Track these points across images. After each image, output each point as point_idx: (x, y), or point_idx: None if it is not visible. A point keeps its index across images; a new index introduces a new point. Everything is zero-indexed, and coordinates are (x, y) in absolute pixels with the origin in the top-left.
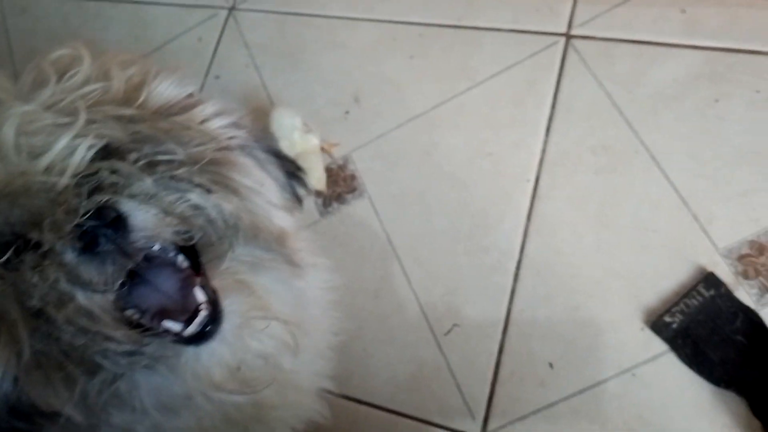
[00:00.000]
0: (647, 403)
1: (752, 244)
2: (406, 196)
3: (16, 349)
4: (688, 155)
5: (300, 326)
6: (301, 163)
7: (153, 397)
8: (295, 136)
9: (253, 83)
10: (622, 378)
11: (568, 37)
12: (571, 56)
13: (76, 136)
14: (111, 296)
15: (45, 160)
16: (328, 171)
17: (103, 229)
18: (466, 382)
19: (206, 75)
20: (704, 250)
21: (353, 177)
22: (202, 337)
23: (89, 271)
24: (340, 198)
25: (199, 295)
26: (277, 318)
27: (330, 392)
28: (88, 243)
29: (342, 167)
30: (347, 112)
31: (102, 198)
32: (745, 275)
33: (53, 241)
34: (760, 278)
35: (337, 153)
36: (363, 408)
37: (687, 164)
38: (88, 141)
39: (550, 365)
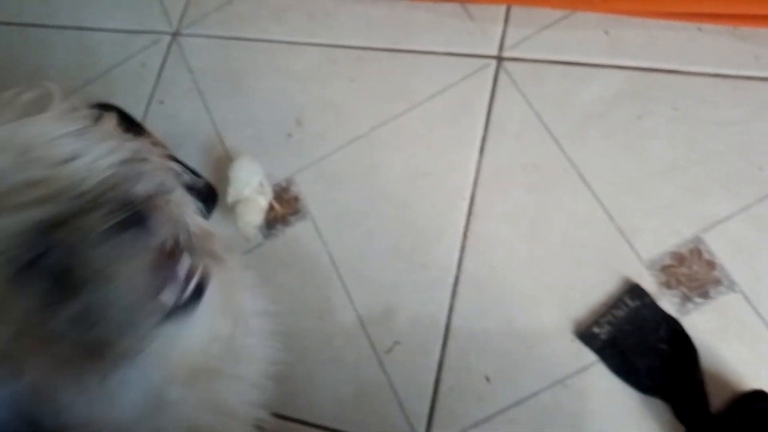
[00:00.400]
0: (579, 413)
1: (674, 255)
2: (348, 216)
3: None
4: (613, 171)
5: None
6: (239, 207)
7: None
8: (245, 192)
9: (197, 107)
10: (554, 389)
11: (500, 59)
12: (503, 77)
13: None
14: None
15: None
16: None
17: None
18: (408, 398)
19: (150, 100)
20: (629, 262)
21: (296, 199)
22: (189, 305)
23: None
24: (284, 220)
25: (187, 260)
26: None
27: (264, 422)
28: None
29: (285, 189)
30: (290, 135)
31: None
32: (668, 285)
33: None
34: (682, 288)
35: (281, 175)
36: (307, 429)
37: (612, 180)
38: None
39: (487, 379)
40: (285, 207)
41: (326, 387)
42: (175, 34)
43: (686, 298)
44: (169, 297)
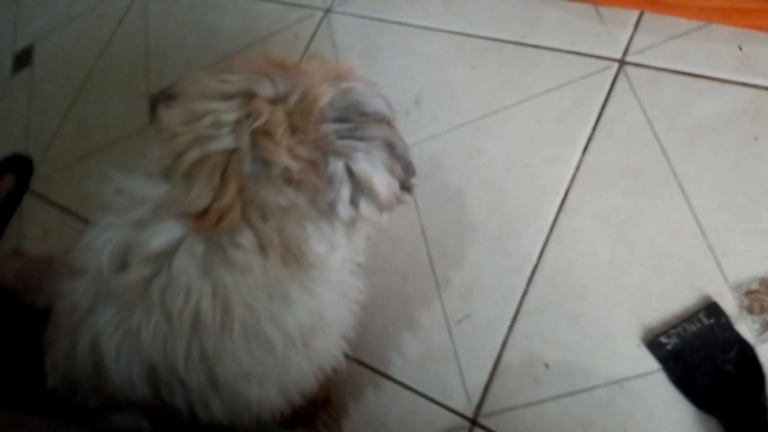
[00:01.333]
0: (631, 415)
1: (763, 281)
2: (445, 194)
3: None
4: (716, 187)
5: None
6: None
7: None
8: None
9: None
10: (611, 388)
11: (622, 63)
12: (621, 81)
13: None
14: None
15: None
16: None
17: None
18: (469, 368)
19: None
20: (714, 280)
21: None
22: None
23: None
24: None
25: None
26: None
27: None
28: None
29: None
30: (407, 113)
31: None
32: (750, 310)
33: None
34: (765, 315)
35: None
36: (373, 375)
37: (713, 196)
38: None
39: (546, 365)
40: None
41: (397, 343)
42: (328, 11)
43: (767, 326)
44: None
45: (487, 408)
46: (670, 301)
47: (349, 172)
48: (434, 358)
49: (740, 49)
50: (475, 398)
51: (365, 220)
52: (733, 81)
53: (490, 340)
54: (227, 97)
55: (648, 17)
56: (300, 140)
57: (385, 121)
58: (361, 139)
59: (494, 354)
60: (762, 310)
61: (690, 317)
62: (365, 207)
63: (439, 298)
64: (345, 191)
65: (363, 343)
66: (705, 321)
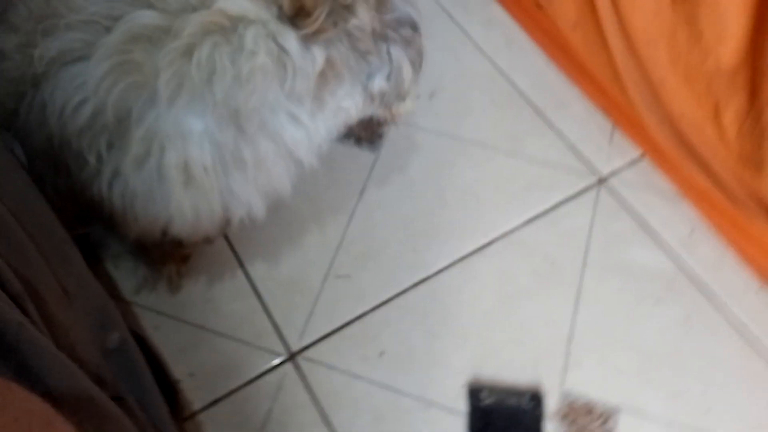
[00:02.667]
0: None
1: (587, 404)
2: (403, 173)
3: None
4: (602, 315)
5: None
6: None
7: None
8: None
9: None
10: (419, 403)
11: (603, 181)
12: (592, 194)
13: None
14: None
15: None
16: None
17: None
18: (320, 315)
19: None
20: (554, 377)
21: None
22: None
23: None
24: None
25: None
26: None
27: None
28: None
29: None
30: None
31: None
32: (564, 418)
33: None
34: (571, 429)
35: None
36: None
37: (597, 318)
38: None
39: (381, 353)
40: None
41: (275, 253)
42: None
43: None
44: None
45: (310, 354)
46: (511, 369)
47: (389, 55)
48: (298, 289)
49: (692, 231)
50: (307, 341)
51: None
52: (672, 249)
53: (352, 305)
54: None
55: (644, 161)
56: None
57: (418, 32)
58: (403, 37)
59: (347, 318)
60: (571, 425)
61: (516, 392)
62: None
63: (338, 246)
64: (385, 68)
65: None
66: (525, 402)
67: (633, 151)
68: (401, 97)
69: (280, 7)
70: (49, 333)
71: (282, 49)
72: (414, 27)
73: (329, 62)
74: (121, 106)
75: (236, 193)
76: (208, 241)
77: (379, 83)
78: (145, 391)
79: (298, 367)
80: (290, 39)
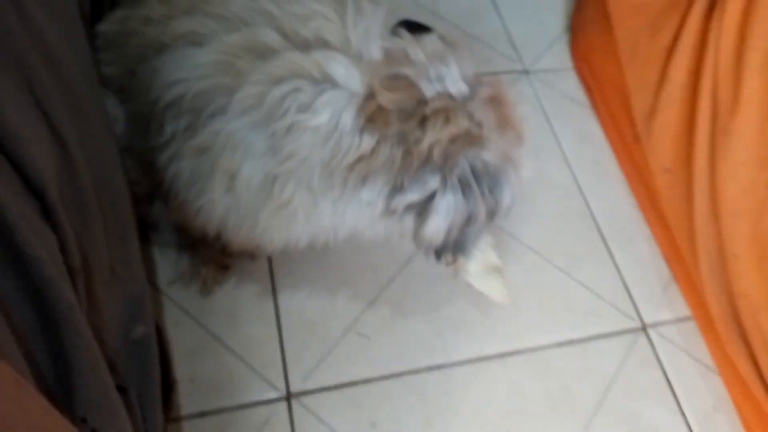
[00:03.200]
0: None
1: None
2: None
3: None
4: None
5: None
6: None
7: None
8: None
9: None
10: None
11: (645, 329)
12: (644, 343)
13: None
14: None
15: None
16: None
17: None
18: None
19: None
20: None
21: None
22: None
23: None
24: None
25: None
26: None
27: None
28: None
29: None
30: None
31: None
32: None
33: None
34: None
35: None
36: None
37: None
38: None
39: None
40: None
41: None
42: None
43: None
44: None
45: (307, 400)
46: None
47: (431, 194)
48: (317, 333)
49: (715, 408)
50: (308, 386)
51: (389, 215)
52: (690, 420)
53: (362, 367)
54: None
55: (691, 323)
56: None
57: (493, 211)
58: (467, 194)
59: (354, 377)
60: None
61: None
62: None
63: (369, 305)
64: (419, 194)
65: (291, 265)
66: None
67: (683, 310)
68: (415, 242)
69: (368, 96)
70: (87, 309)
71: (339, 125)
72: (493, 188)
73: (373, 153)
74: (205, 98)
75: (260, 220)
76: (251, 257)
77: (402, 202)
78: (148, 388)
79: (290, 409)
80: (350, 117)
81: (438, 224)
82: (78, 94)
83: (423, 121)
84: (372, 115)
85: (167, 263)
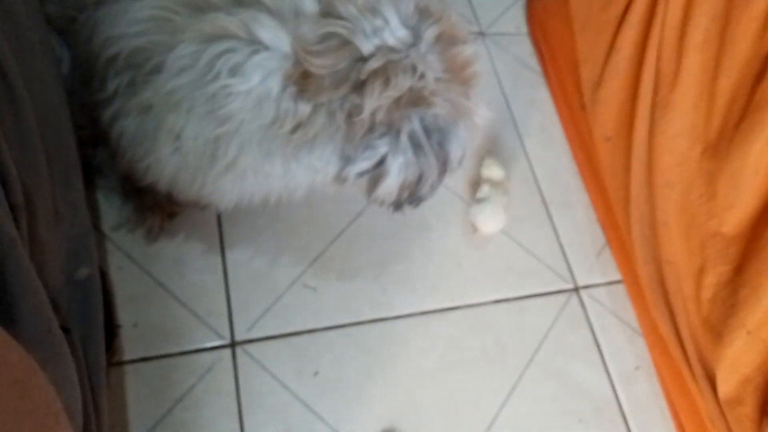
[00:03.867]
0: None
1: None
2: None
3: None
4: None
5: None
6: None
7: None
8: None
9: None
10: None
11: (576, 290)
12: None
13: None
14: None
15: None
16: None
17: None
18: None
19: None
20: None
21: None
22: None
23: None
24: None
25: None
26: None
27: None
28: None
29: None
30: None
31: None
32: None
33: None
34: None
35: None
36: None
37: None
38: None
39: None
40: None
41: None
42: None
43: None
44: None
45: (251, 348)
46: None
47: (381, 159)
48: (264, 284)
49: (637, 368)
50: (253, 335)
51: (347, 182)
52: (612, 378)
53: (306, 317)
54: None
55: (620, 287)
56: (390, 107)
57: (445, 164)
58: (417, 152)
59: (298, 327)
60: None
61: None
62: (359, 179)
63: (316, 258)
64: (368, 162)
65: (240, 216)
66: None
67: (614, 274)
68: (371, 196)
69: (295, 62)
70: (30, 248)
71: (270, 90)
72: (443, 142)
73: (309, 121)
74: (144, 54)
75: (209, 179)
76: (200, 207)
77: (352, 171)
78: (91, 330)
79: (234, 356)
80: (278, 82)
81: (390, 185)
82: (22, 29)
83: (360, 86)
84: (301, 83)
85: (112, 208)
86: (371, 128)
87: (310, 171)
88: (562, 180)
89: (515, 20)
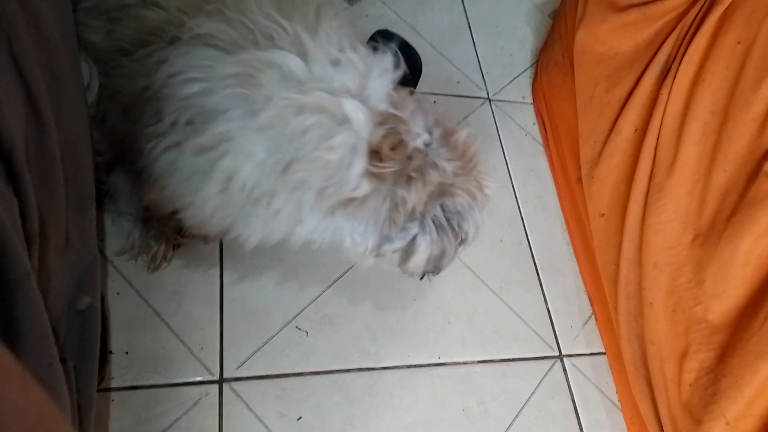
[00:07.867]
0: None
1: None
2: None
3: None
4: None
5: None
6: None
7: None
8: None
9: None
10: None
11: (561, 358)
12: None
13: None
14: None
15: None
16: None
17: None
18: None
19: None
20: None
21: None
22: None
23: None
24: None
25: None
26: None
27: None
28: None
29: None
30: None
31: None
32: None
33: None
34: None
35: None
36: None
37: None
38: None
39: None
40: None
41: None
42: None
43: None
44: None
45: (238, 387)
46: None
47: (413, 239)
48: (257, 323)
49: None
50: (241, 374)
51: (377, 257)
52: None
53: (296, 360)
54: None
55: (603, 360)
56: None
57: (463, 241)
58: (440, 233)
59: (286, 370)
60: None
61: None
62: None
63: (311, 302)
64: (403, 241)
65: (242, 252)
66: None
67: (598, 346)
68: (401, 267)
69: (374, 149)
70: (38, 276)
71: (350, 164)
72: (461, 223)
73: (364, 199)
74: (222, 104)
75: (247, 220)
76: (205, 239)
77: (389, 249)
78: (86, 360)
79: (221, 393)
80: (361, 162)
81: (419, 259)
82: (56, 56)
83: (408, 181)
84: (376, 169)
85: (118, 233)
86: (410, 216)
87: (338, 234)
88: (554, 248)
89: (521, 89)
